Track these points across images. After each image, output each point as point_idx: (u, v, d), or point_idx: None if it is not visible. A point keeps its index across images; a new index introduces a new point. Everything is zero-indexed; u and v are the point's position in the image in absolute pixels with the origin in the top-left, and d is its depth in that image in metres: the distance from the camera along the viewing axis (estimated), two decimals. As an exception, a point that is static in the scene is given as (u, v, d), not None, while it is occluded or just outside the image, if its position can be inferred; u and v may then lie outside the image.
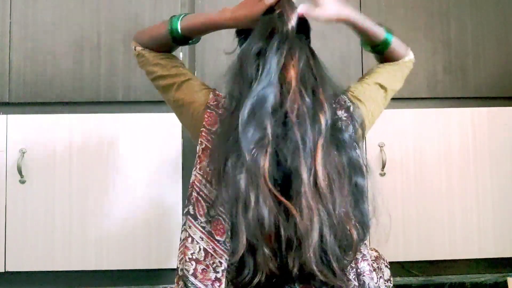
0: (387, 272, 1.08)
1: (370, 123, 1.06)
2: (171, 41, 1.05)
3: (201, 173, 0.93)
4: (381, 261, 1.09)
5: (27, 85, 1.59)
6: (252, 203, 0.84)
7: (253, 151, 0.85)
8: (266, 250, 0.86)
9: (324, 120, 0.89)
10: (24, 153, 1.51)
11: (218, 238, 0.90)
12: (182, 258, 0.91)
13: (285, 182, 0.88)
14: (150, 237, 1.52)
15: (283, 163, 0.87)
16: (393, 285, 1.09)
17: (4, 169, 1.50)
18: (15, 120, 1.52)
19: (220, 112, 0.97)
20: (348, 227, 0.88)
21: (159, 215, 1.53)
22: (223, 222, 0.90)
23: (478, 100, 1.69)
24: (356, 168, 0.93)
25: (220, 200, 0.89)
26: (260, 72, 0.89)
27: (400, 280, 1.59)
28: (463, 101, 1.68)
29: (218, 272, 0.89)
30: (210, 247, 0.89)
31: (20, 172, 1.49)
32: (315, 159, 0.87)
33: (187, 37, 1.05)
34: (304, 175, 0.86)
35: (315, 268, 0.85)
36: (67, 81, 1.60)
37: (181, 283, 0.90)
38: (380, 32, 1.07)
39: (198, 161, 0.94)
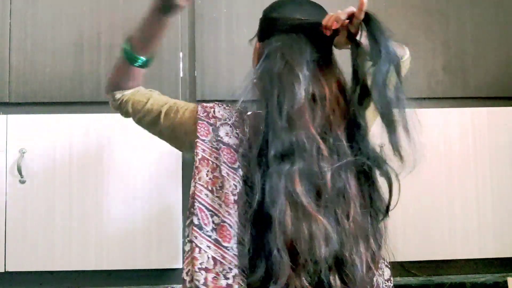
0: (387, 272, 1.08)
1: (371, 124, 1.07)
2: (134, 67, 1.07)
3: (201, 183, 0.94)
4: (381, 260, 1.09)
5: (27, 85, 1.59)
6: (294, 222, 0.86)
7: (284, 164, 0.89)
8: (305, 268, 0.86)
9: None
10: (24, 153, 1.51)
11: (225, 244, 0.89)
12: (190, 270, 0.90)
13: (323, 199, 0.90)
14: (150, 237, 1.52)
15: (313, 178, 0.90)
16: (393, 285, 1.09)
17: (4, 169, 1.50)
18: (15, 120, 1.52)
19: (211, 121, 0.99)
20: (373, 243, 0.92)
21: (159, 215, 1.53)
22: (229, 228, 0.90)
23: (478, 100, 1.69)
24: (376, 189, 0.96)
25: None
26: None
27: (400, 280, 1.59)
28: (463, 101, 1.68)
29: (228, 278, 0.88)
30: (219, 254, 0.89)
31: (20, 172, 1.49)
32: (353, 178, 0.92)
33: (143, 55, 1.06)
34: (351, 195, 0.90)
35: (362, 286, 0.88)
36: (67, 81, 1.60)
37: None
38: None
39: (197, 172, 0.95)
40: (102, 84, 1.60)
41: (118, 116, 1.55)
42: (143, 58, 1.07)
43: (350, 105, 0.95)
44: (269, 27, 1.03)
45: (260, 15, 1.08)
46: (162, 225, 1.53)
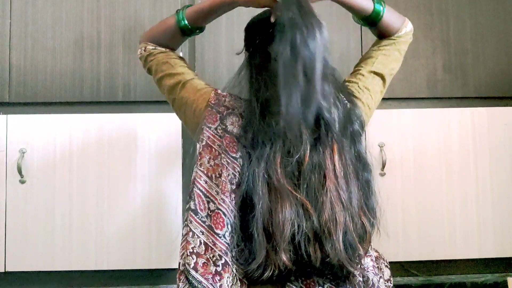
0: (387, 272, 1.08)
1: (368, 116, 1.08)
2: (180, 33, 1.09)
3: (202, 169, 0.95)
4: (381, 261, 1.09)
5: (27, 85, 1.59)
6: (271, 205, 0.89)
7: (271, 146, 0.92)
8: (283, 246, 0.88)
9: (336, 113, 0.95)
10: (24, 153, 1.51)
11: (217, 231, 0.91)
12: (183, 253, 0.92)
13: (303, 177, 0.91)
14: (150, 237, 1.52)
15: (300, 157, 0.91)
16: (393, 285, 1.09)
17: (4, 169, 1.50)
18: (15, 120, 1.52)
19: (220, 110, 1.00)
20: (361, 218, 0.92)
21: (159, 215, 1.53)
22: (223, 216, 0.91)
23: (478, 100, 1.68)
24: (364, 163, 0.97)
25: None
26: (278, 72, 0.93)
27: (400, 280, 1.59)
28: (463, 101, 1.68)
29: (218, 265, 0.89)
30: (210, 240, 0.90)
31: (20, 172, 1.49)
32: (333, 151, 0.92)
33: (194, 27, 1.09)
34: (326, 168, 0.91)
35: (343, 257, 0.88)
36: (67, 81, 1.60)
37: (182, 277, 0.91)
38: (367, 4, 1.05)
39: (199, 158, 0.96)
40: (102, 84, 1.61)
41: (118, 116, 1.55)
42: (191, 27, 1.09)
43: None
44: (251, 30, 1.11)
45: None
46: (162, 225, 1.53)
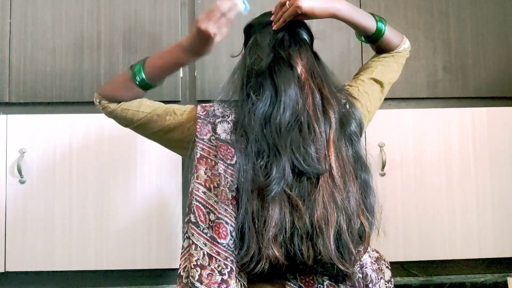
0: (388, 273, 1.08)
1: (366, 118, 1.09)
2: (138, 89, 1.07)
3: (199, 181, 0.95)
4: (382, 262, 1.09)
5: (27, 85, 1.59)
6: (263, 201, 0.89)
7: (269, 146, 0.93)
8: (272, 240, 0.88)
9: (332, 113, 0.95)
10: (24, 153, 1.51)
11: (221, 241, 0.90)
12: (186, 266, 0.92)
13: (299, 175, 0.92)
14: (150, 237, 1.52)
15: (295, 156, 0.92)
16: (393, 285, 1.09)
17: (4, 169, 1.50)
18: (15, 120, 1.52)
19: (211, 120, 1.00)
20: (360, 218, 0.92)
21: (159, 214, 1.53)
22: (225, 225, 0.91)
23: (478, 100, 1.68)
24: (362, 163, 0.98)
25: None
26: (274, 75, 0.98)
27: (400, 280, 1.59)
28: (463, 101, 1.68)
29: (224, 274, 0.89)
30: (214, 251, 0.90)
31: (20, 172, 1.49)
32: (329, 152, 0.93)
33: (152, 81, 1.07)
34: (321, 166, 0.91)
35: (334, 256, 0.88)
36: (67, 81, 1.60)
37: None
38: (371, 24, 1.10)
39: (195, 170, 0.97)
40: (102, 84, 1.61)
41: (118, 116, 1.55)
42: (150, 83, 1.08)
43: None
44: (248, 31, 1.12)
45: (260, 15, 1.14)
46: (162, 225, 1.53)
